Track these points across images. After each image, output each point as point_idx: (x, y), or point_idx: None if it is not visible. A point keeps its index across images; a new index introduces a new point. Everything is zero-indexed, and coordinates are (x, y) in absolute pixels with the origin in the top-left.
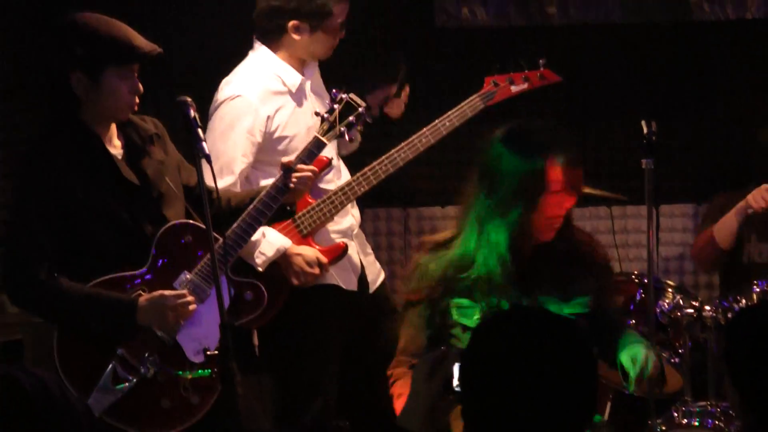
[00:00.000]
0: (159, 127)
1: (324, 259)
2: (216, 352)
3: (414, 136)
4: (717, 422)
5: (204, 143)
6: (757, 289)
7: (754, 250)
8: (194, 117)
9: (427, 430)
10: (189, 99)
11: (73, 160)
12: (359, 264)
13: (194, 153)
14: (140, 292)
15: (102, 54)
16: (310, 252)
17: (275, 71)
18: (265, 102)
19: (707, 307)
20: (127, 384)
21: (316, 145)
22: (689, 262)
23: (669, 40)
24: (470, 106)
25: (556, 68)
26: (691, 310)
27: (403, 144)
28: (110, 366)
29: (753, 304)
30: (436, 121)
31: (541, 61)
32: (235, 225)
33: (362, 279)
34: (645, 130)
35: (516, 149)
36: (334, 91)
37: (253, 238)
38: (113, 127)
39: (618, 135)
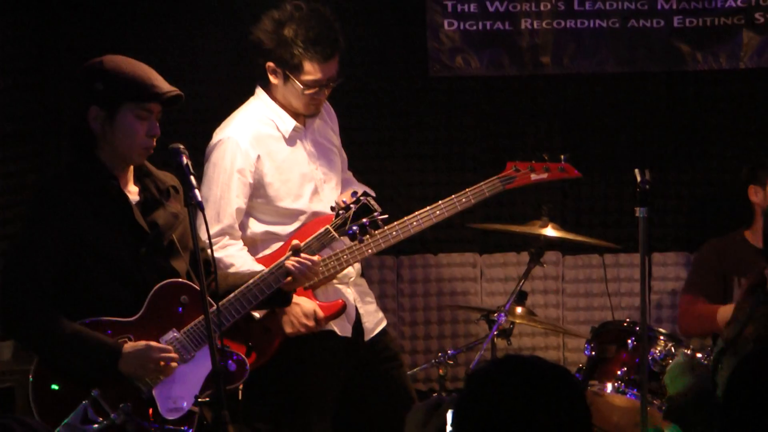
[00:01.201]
0: (177, 183)
1: (321, 314)
2: (207, 399)
3: (429, 208)
4: None
5: (196, 191)
6: None
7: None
8: (187, 164)
9: None
10: (182, 146)
11: (87, 198)
12: (354, 312)
13: (186, 201)
14: (126, 339)
15: (119, 89)
16: (308, 304)
17: (269, 116)
18: (255, 145)
19: (699, 355)
20: (95, 426)
21: (326, 238)
22: None
23: (662, 90)
24: (489, 186)
25: (548, 118)
26: None
27: (416, 213)
28: (82, 405)
29: (750, 352)
30: (453, 196)
31: (563, 156)
32: (231, 296)
33: (357, 326)
34: (638, 179)
35: None
36: (354, 191)
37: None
38: (131, 172)
39: (611, 184)
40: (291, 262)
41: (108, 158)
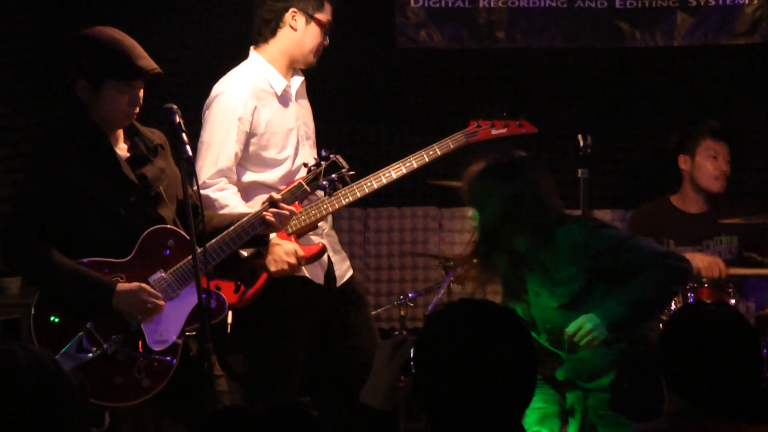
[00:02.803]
0: (164, 140)
1: (302, 253)
2: (194, 332)
3: (399, 162)
4: None
5: (188, 146)
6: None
7: None
8: (179, 122)
9: (387, 407)
10: (175, 106)
11: (81, 153)
12: (326, 261)
13: (179, 156)
14: (118, 278)
15: (104, 67)
16: (290, 245)
17: (263, 74)
18: (252, 97)
19: None
20: (90, 355)
21: (299, 190)
22: None
23: (603, 64)
24: (454, 140)
25: (502, 87)
26: None
27: (389, 167)
28: (78, 335)
29: (685, 304)
30: (422, 150)
31: (522, 115)
32: (213, 241)
33: (329, 274)
34: (581, 143)
35: None
36: (324, 150)
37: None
38: (120, 131)
39: (557, 147)
40: (268, 213)
41: (98, 120)
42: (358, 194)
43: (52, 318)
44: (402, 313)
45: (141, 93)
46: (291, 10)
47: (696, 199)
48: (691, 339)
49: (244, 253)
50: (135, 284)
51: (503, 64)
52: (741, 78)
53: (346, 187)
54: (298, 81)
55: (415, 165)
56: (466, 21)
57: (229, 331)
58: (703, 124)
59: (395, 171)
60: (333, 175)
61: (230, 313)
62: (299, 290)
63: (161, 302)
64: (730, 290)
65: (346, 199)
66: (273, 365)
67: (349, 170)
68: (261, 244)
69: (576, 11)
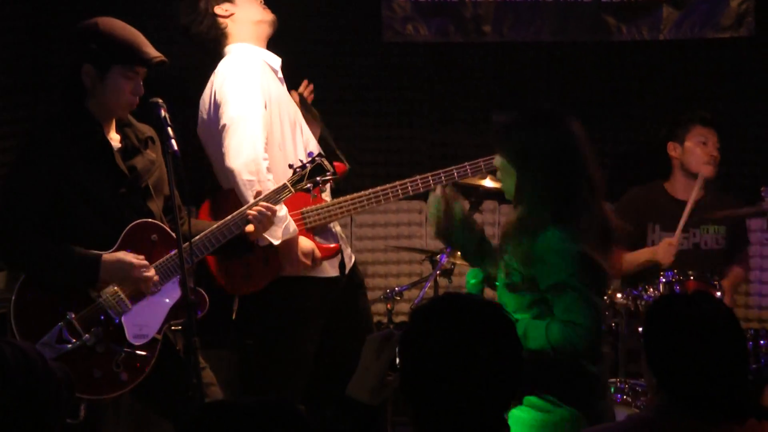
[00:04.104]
0: (154, 133)
1: (318, 254)
2: (179, 327)
3: (431, 173)
4: (625, 397)
5: (173, 141)
6: (664, 280)
7: (657, 239)
8: (165, 117)
9: (374, 401)
10: (160, 100)
11: (74, 141)
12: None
13: (164, 150)
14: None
15: (112, 52)
16: (307, 243)
17: (259, 57)
18: (263, 73)
19: (619, 295)
20: (69, 346)
21: (283, 192)
22: None
23: (590, 58)
24: (473, 167)
25: (489, 80)
26: (604, 298)
27: (418, 177)
28: (58, 326)
29: (661, 293)
30: (453, 167)
31: None
32: (197, 238)
33: (342, 264)
34: None
35: None
36: (311, 151)
37: (281, 213)
38: (113, 122)
39: None
40: (251, 210)
41: (95, 110)
42: (383, 202)
43: (33, 307)
44: (389, 307)
45: (141, 83)
46: (215, 7)
47: (686, 186)
48: (675, 337)
49: (276, 242)
50: (120, 252)
51: (490, 57)
52: (727, 71)
53: (370, 191)
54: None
55: (444, 181)
56: (453, 14)
57: (234, 317)
58: (692, 113)
59: (423, 184)
60: (318, 178)
61: (236, 299)
62: (320, 291)
63: (152, 272)
64: (716, 282)
65: (371, 204)
66: (284, 360)
67: (333, 174)
68: (245, 251)
69: (562, 5)
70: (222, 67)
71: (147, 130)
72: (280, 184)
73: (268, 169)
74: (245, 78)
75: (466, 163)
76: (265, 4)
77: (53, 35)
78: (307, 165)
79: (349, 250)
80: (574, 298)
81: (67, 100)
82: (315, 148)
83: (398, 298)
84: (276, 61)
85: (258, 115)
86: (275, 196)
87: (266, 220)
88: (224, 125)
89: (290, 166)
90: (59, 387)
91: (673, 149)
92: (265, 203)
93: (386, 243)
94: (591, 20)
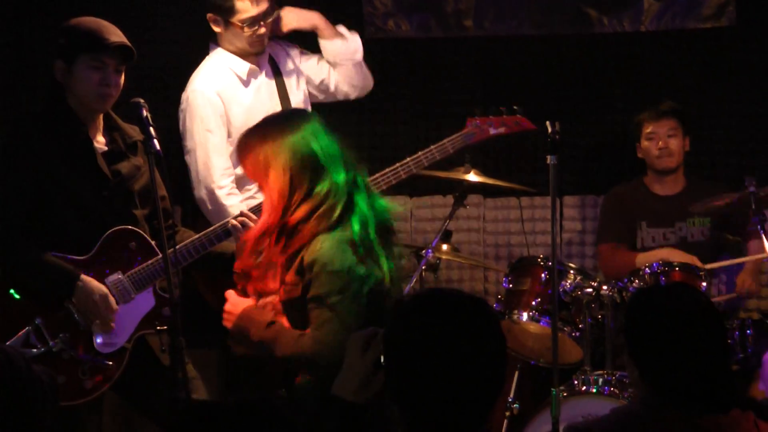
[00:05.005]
0: (142, 136)
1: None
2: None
3: (397, 164)
4: (613, 389)
5: (155, 140)
6: (649, 271)
7: (646, 236)
8: (146, 116)
9: (360, 399)
10: (142, 100)
11: (56, 140)
12: None
13: (146, 150)
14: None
15: (76, 42)
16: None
17: (226, 65)
18: (220, 93)
19: (605, 287)
20: (35, 351)
21: None
22: (590, 247)
23: (572, 50)
24: (452, 143)
25: (472, 74)
26: (590, 290)
27: (386, 170)
28: (25, 330)
29: (647, 285)
30: (419, 153)
31: (515, 107)
32: (180, 245)
33: None
34: (549, 130)
35: None
36: None
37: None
38: (100, 122)
39: (527, 134)
40: (234, 221)
41: (76, 107)
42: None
43: (3, 308)
44: None
45: (119, 78)
46: (208, 16)
47: (661, 182)
48: (655, 329)
49: None
50: (101, 287)
51: (472, 52)
52: (708, 62)
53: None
54: (265, 61)
55: (414, 170)
56: (434, 10)
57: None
58: (642, 113)
59: (393, 176)
60: None
61: None
62: None
63: (115, 308)
64: (701, 273)
65: None
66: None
67: None
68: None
69: None
70: (189, 85)
71: (136, 134)
72: None
73: (234, 190)
74: (198, 104)
75: (431, 147)
76: None
77: (35, 36)
78: None
79: None
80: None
81: (48, 99)
82: None
83: None
84: (242, 67)
85: (209, 142)
86: (258, 208)
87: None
88: (185, 155)
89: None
90: (44, 391)
91: (638, 151)
92: (248, 213)
93: None
94: (572, 13)
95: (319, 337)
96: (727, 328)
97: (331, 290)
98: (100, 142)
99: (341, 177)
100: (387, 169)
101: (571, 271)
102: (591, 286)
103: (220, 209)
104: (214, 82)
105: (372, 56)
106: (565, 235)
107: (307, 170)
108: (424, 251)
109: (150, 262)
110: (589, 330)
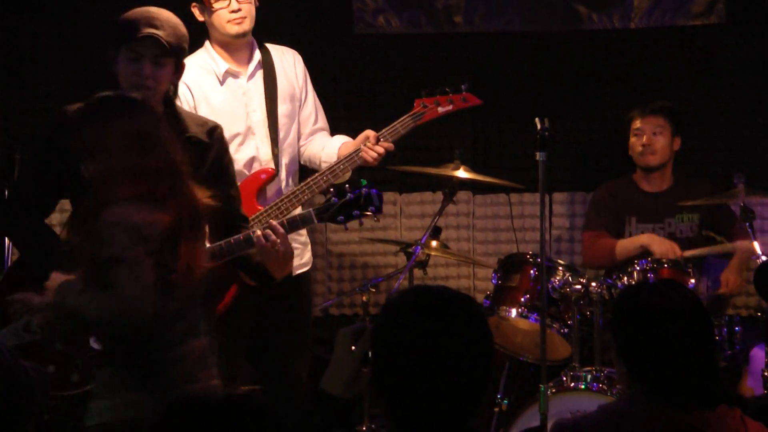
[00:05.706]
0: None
1: None
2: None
3: (353, 152)
4: (601, 385)
5: None
6: (638, 268)
7: (635, 231)
8: None
9: (348, 395)
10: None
11: None
12: None
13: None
14: None
15: (117, 33)
16: None
17: (207, 61)
18: (193, 87)
19: (593, 284)
20: (29, 336)
21: (305, 219)
22: (579, 244)
23: (562, 47)
24: (402, 125)
25: (462, 71)
26: (578, 287)
27: (343, 158)
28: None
29: (635, 282)
30: (384, 129)
31: (464, 86)
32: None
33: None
34: (539, 127)
35: None
36: (363, 180)
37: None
38: None
39: (516, 130)
40: (258, 233)
41: None
42: (316, 190)
43: (3, 295)
44: (364, 298)
45: (159, 70)
46: (192, 7)
47: (648, 179)
48: (642, 325)
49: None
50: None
51: (462, 48)
52: (698, 59)
53: (302, 184)
54: (256, 61)
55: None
56: (424, 6)
57: None
58: (632, 110)
59: (350, 163)
60: (355, 212)
61: None
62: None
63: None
64: (689, 269)
65: (305, 196)
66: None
67: (376, 213)
68: (260, 279)
69: None
70: None
71: (194, 127)
72: (305, 211)
73: None
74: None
75: (383, 130)
76: None
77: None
78: (350, 195)
79: (307, 255)
80: None
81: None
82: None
83: (374, 290)
84: (220, 67)
85: None
86: (290, 221)
87: (272, 248)
88: None
89: (325, 192)
90: (33, 387)
91: (629, 148)
92: (276, 225)
93: (361, 235)
94: (562, 9)
95: None
96: (715, 325)
97: None
98: None
99: None
100: (343, 158)
101: (560, 268)
102: (580, 283)
103: None
104: (188, 75)
105: (361, 52)
106: (555, 232)
107: None
108: (413, 248)
109: None
110: (578, 326)
